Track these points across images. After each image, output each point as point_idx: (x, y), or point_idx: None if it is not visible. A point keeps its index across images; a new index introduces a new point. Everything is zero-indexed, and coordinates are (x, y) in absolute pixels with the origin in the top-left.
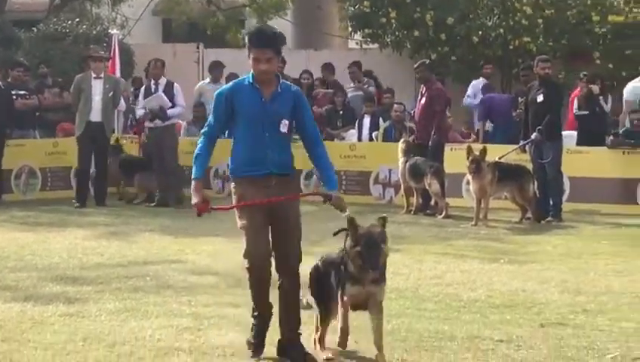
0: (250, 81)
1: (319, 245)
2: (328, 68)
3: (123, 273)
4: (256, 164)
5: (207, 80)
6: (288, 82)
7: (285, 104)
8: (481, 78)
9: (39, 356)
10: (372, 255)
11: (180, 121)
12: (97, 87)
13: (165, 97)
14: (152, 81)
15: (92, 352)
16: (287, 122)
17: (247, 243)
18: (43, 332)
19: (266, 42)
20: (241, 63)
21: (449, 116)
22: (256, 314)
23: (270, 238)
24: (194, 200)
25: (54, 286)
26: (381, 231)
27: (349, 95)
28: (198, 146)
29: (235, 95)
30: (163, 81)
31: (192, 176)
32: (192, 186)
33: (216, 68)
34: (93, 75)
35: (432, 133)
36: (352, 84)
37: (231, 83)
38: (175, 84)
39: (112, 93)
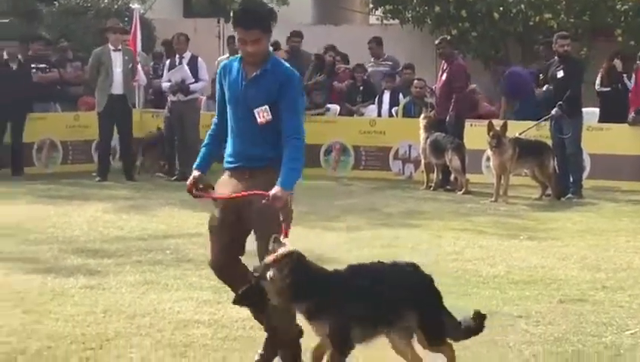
0: (240, 59)
1: (338, 220)
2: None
3: (143, 246)
4: (233, 155)
5: (227, 54)
6: (282, 61)
7: (264, 89)
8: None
9: (60, 327)
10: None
11: (202, 96)
12: (117, 60)
13: (188, 71)
14: (177, 56)
15: (112, 324)
16: (264, 110)
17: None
18: (64, 303)
19: (252, 22)
20: None
21: (479, 93)
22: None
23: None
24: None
25: (75, 258)
26: (265, 265)
27: (369, 70)
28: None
29: (225, 74)
30: (187, 55)
31: None
32: None
33: (233, 42)
34: (112, 48)
35: (451, 109)
36: (371, 60)
37: (228, 60)
38: (199, 58)
39: (130, 65)
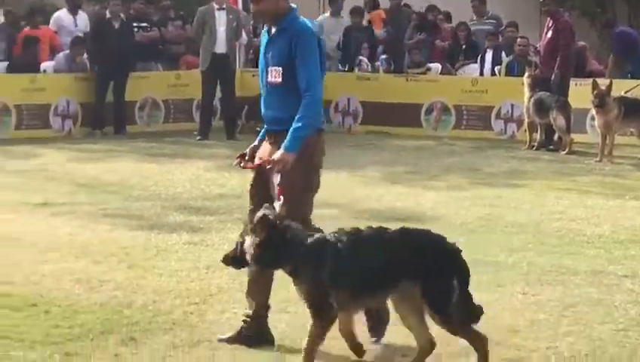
0: None
1: (438, 179)
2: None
3: (244, 204)
4: (265, 119)
5: (327, 13)
6: (300, 18)
7: (279, 48)
8: None
9: (164, 282)
10: None
11: None
12: (221, 19)
13: None
14: None
15: (215, 280)
16: (276, 70)
17: None
18: (167, 259)
19: None
20: None
21: (587, 49)
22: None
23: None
24: None
25: (178, 215)
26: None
27: (472, 29)
28: None
29: (263, 35)
30: None
31: None
32: None
33: (335, 1)
34: (216, 7)
35: (556, 67)
36: (474, 18)
37: None
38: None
39: (235, 24)
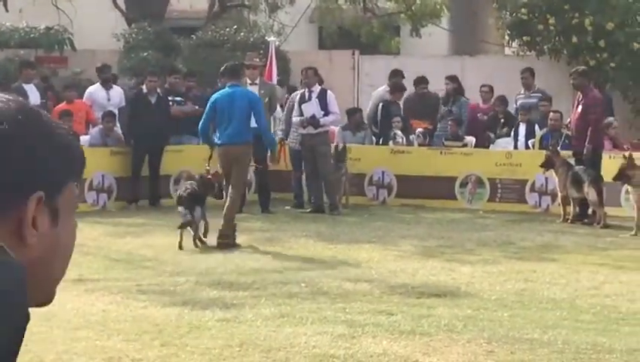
0: None
1: (473, 253)
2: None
3: (279, 279)
4: None
5: (385, 86)
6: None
7: None
8: None
9: (197, 360)
10: None
11: (333, 128)
12: None
13: (318, 105)
14: (306, 89)
15: (248, 358)
16: None
17: None
18: (200, 337)
19: None
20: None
21: (614, 126)
22: None
23: None
24: None
25: (211, 291)
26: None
27: (520, 102)
28: None
29: None
30: (317, 88)
31: None
32: None
33: (395, 76)
34: (248, 82)
35: (587, 141)
36: (522, 91)
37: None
38: (329, 91)
39: (267, 100)
